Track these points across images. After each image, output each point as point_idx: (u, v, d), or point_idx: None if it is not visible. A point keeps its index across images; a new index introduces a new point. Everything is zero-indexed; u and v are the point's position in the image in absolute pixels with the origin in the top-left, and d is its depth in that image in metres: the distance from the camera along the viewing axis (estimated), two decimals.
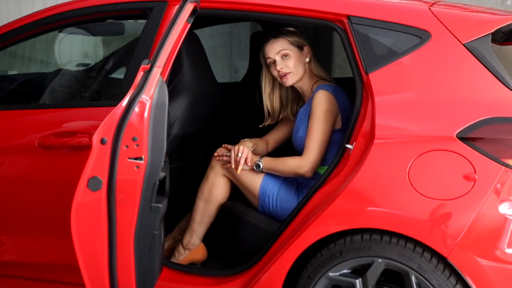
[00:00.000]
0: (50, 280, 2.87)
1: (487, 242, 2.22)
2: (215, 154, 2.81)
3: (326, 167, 2.53)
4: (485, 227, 2.22)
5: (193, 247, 2.87)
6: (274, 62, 2.76)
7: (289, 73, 2.74)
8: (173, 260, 2.88)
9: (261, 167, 2.72)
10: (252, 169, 2.76)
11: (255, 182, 2.76)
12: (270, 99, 2.90)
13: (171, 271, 2.71)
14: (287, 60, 2.74)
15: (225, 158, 2.77)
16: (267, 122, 2.95)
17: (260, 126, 2.98)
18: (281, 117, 2.96)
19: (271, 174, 2.77)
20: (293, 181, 2.78)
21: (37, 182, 2.79)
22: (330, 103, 2.65)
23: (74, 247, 2.26)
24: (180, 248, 2.89)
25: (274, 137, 3.01)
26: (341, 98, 2.70)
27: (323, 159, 2.68)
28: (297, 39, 2.77)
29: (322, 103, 2.64)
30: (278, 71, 2.75)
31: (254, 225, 2.74)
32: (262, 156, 2.76)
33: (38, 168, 2.78)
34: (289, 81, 2.76)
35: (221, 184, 2.81)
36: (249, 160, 2.72)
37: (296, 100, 2.93)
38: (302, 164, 2.65)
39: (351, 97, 2.63)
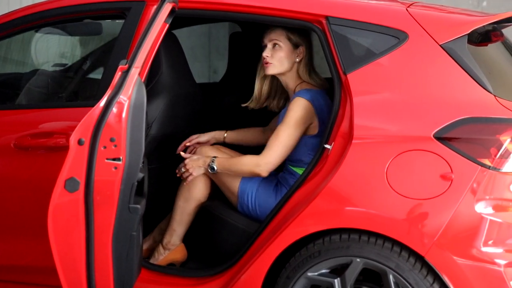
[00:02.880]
0: (27, 283, 2.84)
1: (464, 241, 2.24)
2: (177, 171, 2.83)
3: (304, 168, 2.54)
4: (461, 226, 2.24)
5: (173, 247, 2.86)
6: (266, 47, 2.76)
7: (271, 63, 2.73)
8: (152, 260, 2.87)
9: (215, 169, 2.71)
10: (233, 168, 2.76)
11: (234, 181, 2.76)
12: (260, 83, 2.89)
13: (149, 272, 2.70)
14: (275, 51, 2.73)
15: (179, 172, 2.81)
16: (251, 104, 2.94)
17: (243, 105, 2.97)
18: (265, 105, 2.96)
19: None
20: (272, 180, 2.79)
21: (13, 184, 2.76)
22: (304, 111, 2.63)
23: (51, 249, 2.24)
24: (160, 248, 2.88)
25: (238, 135, 3.05)
26: (319, 104, 2.68)
27: (301, 163, 2.68)
28: (296, 36, 2.74)
29: (295, 109, 2.63)
30: (264, 57, 2.75)
31: (233, 225, 2.74)
32: (214, 157, 2.73)
33: (14, 169, 2.75)
34: (269, 70, 2.75)
35: (201, 182, 2.81)
36: (195, 173, 2.75)
37: (285, 96, 2.92)
38: (259, 162, 2.63)
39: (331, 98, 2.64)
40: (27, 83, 3.31)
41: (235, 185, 2.76)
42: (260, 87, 2.89)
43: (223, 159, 2.74)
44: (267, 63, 2.74)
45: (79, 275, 2.26)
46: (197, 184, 2.81)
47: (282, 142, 2.62)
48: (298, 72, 2.77)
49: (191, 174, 2.75)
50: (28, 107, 3.02)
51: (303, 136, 2.67)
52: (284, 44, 2.72)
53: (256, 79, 2.90)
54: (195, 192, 2.81)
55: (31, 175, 2.73)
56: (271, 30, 2.75)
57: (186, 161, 2.78)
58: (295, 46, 2.74)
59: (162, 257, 2.86)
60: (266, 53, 2.73)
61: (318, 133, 2.67)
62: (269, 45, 2.74)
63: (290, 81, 2.79)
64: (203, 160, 2.75)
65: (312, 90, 2.71)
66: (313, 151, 2.62)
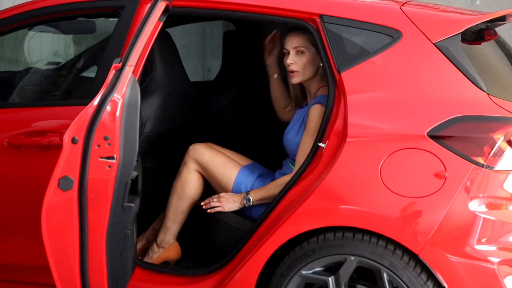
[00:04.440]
0: (21, 282, 2.84)
1: (457, 239, 2.25)
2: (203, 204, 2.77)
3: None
4: (455, 224, 2.25)
5: (167, 245, 2.86)
6: (289, 53, 2.68)
7: (297, 71, 2.66)
8: (146, 258, 2.87)
9: (251, 200, 2.67)
10: (225, 165, 2.77)
11: (228, 179, 2.76)
12: (291, 88, 2.90)
13: (143, 271, 2.70)
14: (300, 57, 2.65)
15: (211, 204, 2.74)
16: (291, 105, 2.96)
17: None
18: (288, 108, 2.99)
19: (245, 170, 2.78)
20: (268, 177, 2.79)
21: (6, 182, 2.75)
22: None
23: (44, 248, 2.23)
24: (154, 246, 2.87)
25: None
26: None
27: None
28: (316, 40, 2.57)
29: (317, 119, 2.56)
30: (288, 65, 2.67)
31: (227, 224, 2.74)
32: (248, 192, 2.69)
33: (8, 168, 2.74)
34: (295, 79, 2.68)
35: (194, 180, 2.80)
36: (226, 208, 2.71)
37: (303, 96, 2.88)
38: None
39: None
40: (21, 81, 3.30)
41: (229, 183, 2.76)
42: (293, 92, 2.90)
43: (257, 190, 2.67)
44: (292, 71, 2.66)
45: (73, 274, 2.26)
46: (190, 182, 2.80)
47: (308, 151, 2.52)
48: (321, 77, 2.68)
49: (221, 206, 2.71)
50: (21, 106, 3.01)
51: None
52: (307, 50, 2.64)
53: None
54: (188, 190, 2.80)
55: (24, 174, 2.72)
56: (292, 36, 2.66)
57: (222, 194, 2.73)
58: (318, 50, 2.55)
59: (156, 255, 2.86)
60: (290, 61, 2.65)
61: None
62: (293, 52, 2.65)
63: (312, 86, 2.72)
64: (238, 196, 2.71)
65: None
66: None
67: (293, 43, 2.66)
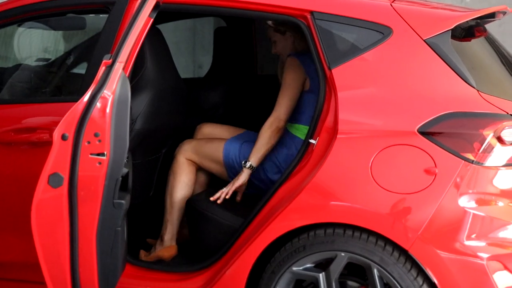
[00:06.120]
0: (10, 279, 2.82)
1: (447, 235, 2.25)
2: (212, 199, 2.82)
3: (306, 127, 2.68)
4: (445, 220, 2.26)
5: (166, 244, 2.92)
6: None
7: (281, 54, 3.03)
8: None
9: (250, 163, 2.76)
10: (211, 143, 2.97)
11: (217, 151, 2.90)
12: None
13: (134, 268, 2.69)
14: (276, 45, 3.01)
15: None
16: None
17: None
18: None
19: (231, 140, 2.94)
20: (253, 141, 2.86)
21: None
22: (295, 67, 2.80)
23: (34, 245, 2.22)
24: (158, 241, 2.95)
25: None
26: (309, 64, 2.78)
27: (302, 119, 2.79)
28: (280, 26, 2.95)
29: (288, 68, 2.82)
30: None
31: (217, 221, 2.74)
32: (246, 160, 2.78)
33: None
34: (283, 57, 3.03)
35: (185, 166, 2.96)
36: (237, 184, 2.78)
37: None
38: (273, 120, 2.76)
39: None
40: (10, 78, 3.28)
41: (219, 155, 2.89)
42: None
43: (252, 152, 2.77)
44: (278, 55, 3.05)
45: (63, 271, 2.25)
46: (182, 169, 2.93)
47: (285, 96, 2.77)
48: (296, 46, 2.97)
49: (234, 186, 2.76)
50: (10, 102, 2.99)
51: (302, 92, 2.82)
52: (276, 37, 2.98)
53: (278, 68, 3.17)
54: (182, 178, 2.93)
55: (14, 170, 2.70)
56: (267, 29, 3.02)
57: (231, 183, 2.79)
58: (282, 33, 2.96)
59: (154, 251, 2.91)
60: (272, 51, 3.04)
61: (310, 88, 2.78)
62: (272, 43, 3.02)
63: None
64: (238, 177, 2.78)
65: (302, 53, 2.87)
66: (310, 106, 2.74)
67: (268, 36, 3.04)
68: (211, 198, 2.77)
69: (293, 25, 2.60)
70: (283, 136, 2.82)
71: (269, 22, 2.99)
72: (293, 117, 2.82)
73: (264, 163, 2.82)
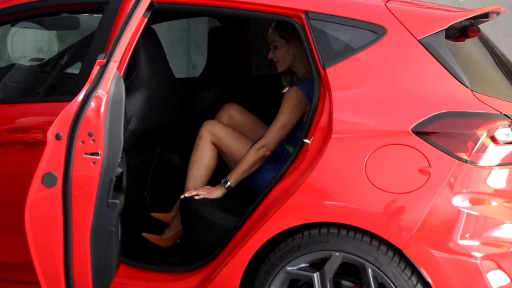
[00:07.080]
0: (4, 279, 2.81)
1: (441, 234, 2.26)
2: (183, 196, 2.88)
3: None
4: (439, 220, 2.26)
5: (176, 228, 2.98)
6: (269, 49, 2.99)
7: (278, 62, 2.96)
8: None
9: (229, 183, 2.81)
10: (238, 139, 2.95)
11: (240, 153, 2.90)
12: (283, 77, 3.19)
13: (128, 268, 2.69)
14: (276, 51, 2.95)
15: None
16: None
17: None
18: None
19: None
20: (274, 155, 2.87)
21: None
22: (298, 99, 2.77)
23: (28, 245, 2.22)
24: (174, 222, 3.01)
25: None
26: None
27: (294, 142, 2.77)
28: (286, 33, 2.89)
29: (290, 98, 2.78)
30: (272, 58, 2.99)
31: (212, 221, 2.74)
32: (225, 179, 2.82)
33: None
34: (278, 68, 2.98)
35: (210, 150, 2.96)
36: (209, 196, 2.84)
37: None
38: (261, 146, 2.77)
39: None
40: (3, 77, 3.27)
41: (240, 156, 2.88)
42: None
43: (232, 173, 2.82)
44: (275, 63, 2.97)
45: (57, 271, 2.24)
46: (208, 152, 2.96)
47: (277, 125, 2.77)
48: (302, 63, 2.91)
49: (206, 194, 2.83)
50: (4, 102, 2.98)
51: (299, 122, 2.80)
52: (279, 43, 2.92)
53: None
54: (206, 160, 2.96)
55: (8, 170, 2.70)
56: (269, 33, 2.95)
57: (204, 188, 2.87)
58: (288, 41, 2.91)
59: (168, 234, 2.98)
60: (269, 55, 2.97)
61: None
62: (271, 47, 2.96)
63: (299, 71, 2.94)
64: (217, 186, 2.84)
65: (309, 81, 2.77)
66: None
67: (269, 39, 2.97)
68: (186, 194, 2.84)
69: (290, 26, 2.59)
70: (276, 151, 2.84)
71: (273, 25, 2.96)
72: (289, 139, 2.82)
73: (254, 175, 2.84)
